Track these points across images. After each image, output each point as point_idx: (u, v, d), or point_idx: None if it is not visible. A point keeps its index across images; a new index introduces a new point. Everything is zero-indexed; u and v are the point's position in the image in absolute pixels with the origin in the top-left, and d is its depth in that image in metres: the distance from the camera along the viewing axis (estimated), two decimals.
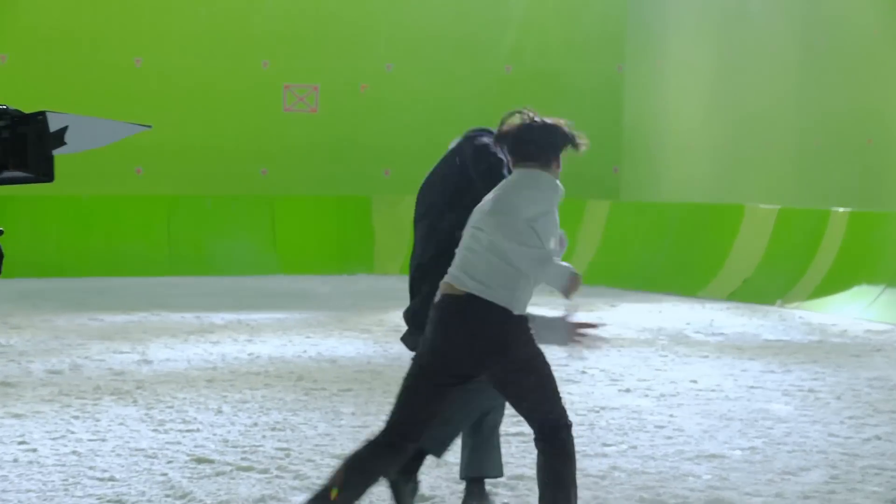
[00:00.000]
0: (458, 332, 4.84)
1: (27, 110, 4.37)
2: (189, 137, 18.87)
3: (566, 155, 5.13)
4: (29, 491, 6.26)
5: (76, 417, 8.01)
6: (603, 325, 5.22)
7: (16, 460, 6.87)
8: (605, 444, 7.41)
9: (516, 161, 5.09)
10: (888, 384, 9.61)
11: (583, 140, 5.15)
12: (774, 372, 10.13)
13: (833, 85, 16.69)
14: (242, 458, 6.95)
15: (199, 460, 6.90)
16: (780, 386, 9.47)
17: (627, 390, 9.25)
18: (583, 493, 6.11)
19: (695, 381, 9.62)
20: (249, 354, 10.78)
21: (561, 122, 5.15)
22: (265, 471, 6.69)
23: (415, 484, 5.74)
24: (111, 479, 6.51)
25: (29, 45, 18.53)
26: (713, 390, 9.26)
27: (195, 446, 7.24)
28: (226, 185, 19.07)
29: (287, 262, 18.56)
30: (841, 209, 15.03)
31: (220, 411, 8.27)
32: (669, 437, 7.62)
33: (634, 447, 7.36)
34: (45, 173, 4.34)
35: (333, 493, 4.82)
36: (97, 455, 7.01)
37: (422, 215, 5.74)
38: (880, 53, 16.18)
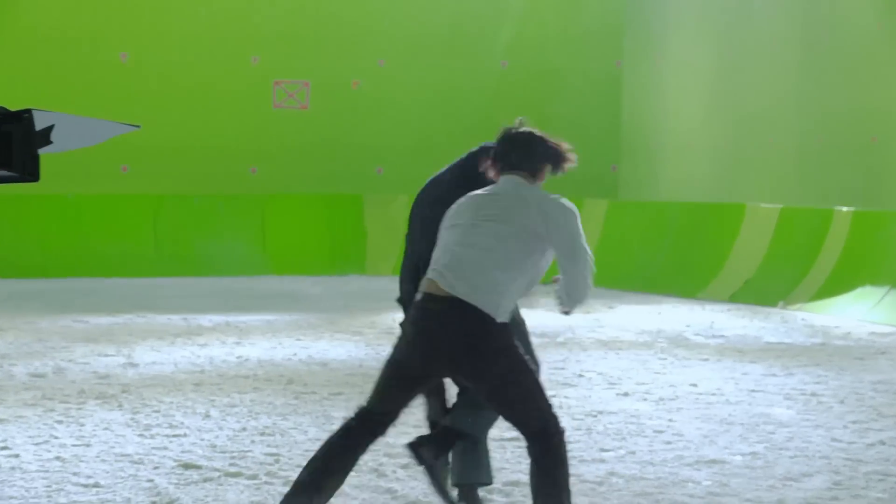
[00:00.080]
0: (439, 337, 4.90)
1: (10, 108, 4.37)
2: (176, 135, 18.86)
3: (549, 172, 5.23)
4: (11, 498, 6.26)
5: (60, 422, 8.00)
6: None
7: None
8: (602, 450, 7.41)
9: (504, 168, 5.16)
10: (892, 388, 9.62)
11: (570, 162, 5.24)
12: (776, 375, 10.13)
13: (836, 81, 16.70)
14: (231, 464, 6.94)
15: (187, 466, 6.89)
16: (782, 389, 9.48)
17: (626, 394, 9.25)
18: (580, 500, 6.12)
19: (695, 385, 9.63)
20: (238, 357, 10.77)
21: (562, 143, 5.23)
22: (254, 477, 6.68)
23: (448, 464, 5.85)
24: (96, 485, 6.50)
25: (11, 40, 18.52)
26: (713, 394, 9.26)
27: (182, 452, 7.24)
28: (214, 183, 19.06)
29: (277, 262, 18.56)
30: (844, 208, 15.04)
31: (207, 416, 8.27)
32: (668, 442, 7.62)
33: (633, 452, 7.36)
34: (30, 172, 4.34)
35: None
36: (81, 461, 7.00)
37: (431, 220, 5.64)
38: (884, 49, 16.19)
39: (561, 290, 5.07)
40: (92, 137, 4.68)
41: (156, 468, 6.86)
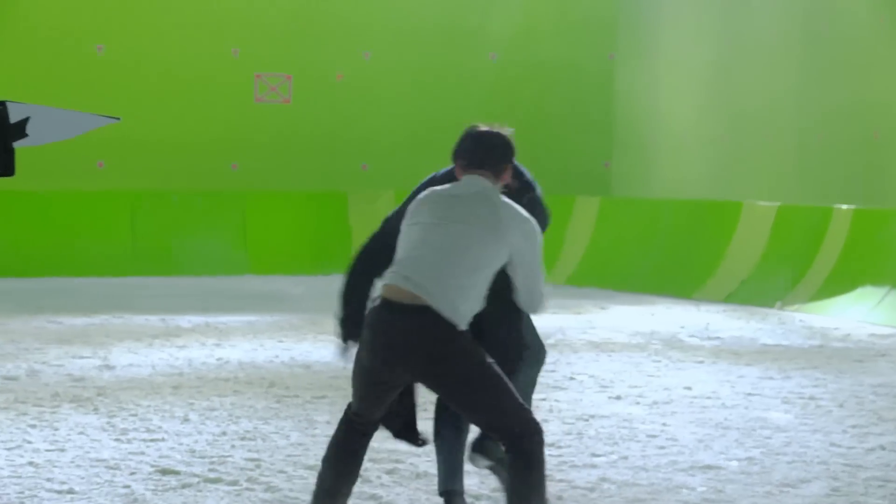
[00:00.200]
0: (397, 345, 4.98)
1: None
2: (154, 129, 18.83)
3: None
4: None
5: (33, 426, 8.00)
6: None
7: None
8: (594, 455, 7.43)
9: (469, 166, 5.21)
10: (893, 391, 9.65)
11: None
12: (773, 378, 10.16)
13: (836, 75, 16.74)
14: (210, 470, 6.95)
15: (164, 472, 6.89)
16: (780, 393, 9.50)
17: (618, 397, 9.26)
18: None
19: (689, 388, 9.65)
20: (218, 359, 10.77)
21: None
22: (234, 483, 6.69)
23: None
24: (70, 491, 6.50)
25: None
26: (708, 397, 9.28)
27: (160, 457, 7.24)
28: (193, 179, 19.04)
29: (258, 261, 18.55)
30: (844, 206, 15.08)
31: (186, 420, 8.27)
32: (662, 447, 7.64)
33: (625, 457, 7.37)
34: (4, 167, 4.33)
35: None
36: (55, 466, 7.00)
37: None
38: (886, 42, 16.23)
39: (519, 299, 5.17)
40: (70, 130, 4.68)
41: (132, 474, 6.85)
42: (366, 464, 6.83)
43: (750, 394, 9.45)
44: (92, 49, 18.78)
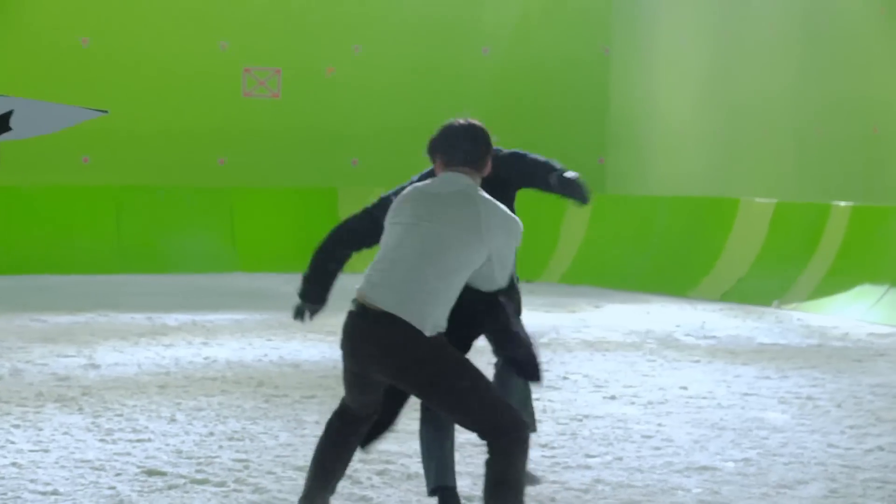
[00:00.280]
0: (366, 351, 5.15)
1: None
2: (141, 124, 18.81)
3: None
4: None
5: (16, 426, 7.99)
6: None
7: None
8: (588, 455, 7.43)
9: (449, 163, 5.26)
10: (892, 391, 9.66)
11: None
12: (770, 378, 10.17)
13: (836, 69, 16.75)
14: (197, 471, 6.94)
15: (151, 473, 6.89)
16: (777, 393, 9.52)
17: (612, 397, 9.27)
18: None
19: (685, 388, 9.66)
20: (205, 358, 10.77)
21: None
22: (222, 484, 6.69)
23: None
24: (54, 493, 6.49)
25: None
26: (704, 397, 9.30)
27: (146, 457, 7.24)
28: (180, 175, 19.03)
29: (246, 258, 18.55)
30: (843, 203, 15.10)
31: (173, 420, 8.27)
32: (657, 448, 7.65)
33: (620, 458, 7.38)
34: None
35: None
36: (39, 467, 7.00)
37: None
38: (886, 36, 16.25)
39: (476, 276, 5.23)
40: (56, 123, 4.68)
41: (118, 475, 6.85)
42: (356, 464, 6.85)
43: (746, 394, 9.46)
44: (76, 42, 18.75)
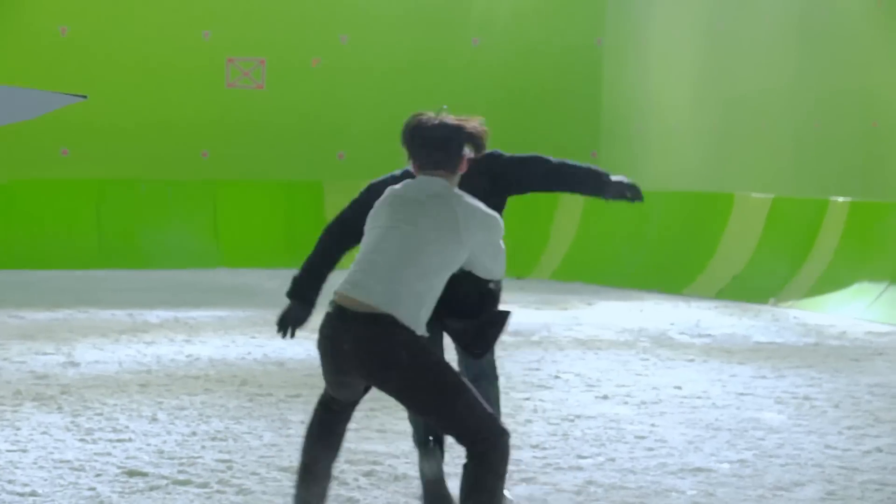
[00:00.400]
0: (346, 354, 5.15)
1: None
2: (121, 116, 18.79)
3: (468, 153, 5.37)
4: None
5: None
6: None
7: None
8: (580, 456, 7.45)
9: (424, 166, 5.30)
10: (890, 391, 9.69)
11: (485, 137, 5.40)
12: (766, 377, 10.20)
13: (834, 62, 16.78)
14: (179, 471, 6.95)
15: (131, 473, 6.89)
16: (773, 393, 9.54)
17: (605, 397, 9.29)
18: None
19: (679, 388, 9.68)
20: (188, 356, 10.77)
21: (471, 121, 5.37)
22: (205, 485, 6.69)
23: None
24: (32, 493, 6.49)
25: None
26: (699, 397, 9.31)
27: (127, 458, 7.24)
28: (162, 168, 19.00)
29: (230, 254, 18.53)
30: (841, 199, 15.12)
31: (154, 419, 8.27)
32: (651, 449, 7.66)
33: (612, 459, 7.40)
34: None
35: None
36: (17, 467, 6.99)
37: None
38: (885, 29, 16.28)
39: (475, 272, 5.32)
40: (33, 109, 4.67)
41: (98, 475, 6.85)
42: (342, 465, 6.87)
43: (742, 393, 9.48)
44: (55, 30, 18.72)
